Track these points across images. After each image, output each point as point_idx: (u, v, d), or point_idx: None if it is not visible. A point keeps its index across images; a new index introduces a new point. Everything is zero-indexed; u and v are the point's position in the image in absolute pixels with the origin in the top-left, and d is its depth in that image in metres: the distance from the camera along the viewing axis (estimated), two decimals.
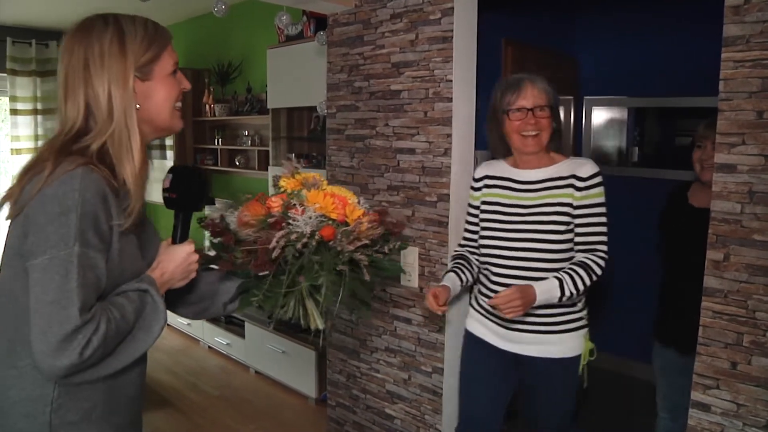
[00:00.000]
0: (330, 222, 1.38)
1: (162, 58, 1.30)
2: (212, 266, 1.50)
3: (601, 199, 2.01)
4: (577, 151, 4.41)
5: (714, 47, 1.72)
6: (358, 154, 2.87)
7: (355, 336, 2.96)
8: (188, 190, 1.43)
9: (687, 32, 3.71)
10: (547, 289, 1.91)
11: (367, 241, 1.40)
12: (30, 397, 1.22)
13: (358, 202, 1.46)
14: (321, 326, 1.44)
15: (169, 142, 5.43)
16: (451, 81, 2.44)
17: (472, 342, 2.23)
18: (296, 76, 3.99)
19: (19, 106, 5.97)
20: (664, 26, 3.86)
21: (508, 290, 1.88)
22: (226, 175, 5.45)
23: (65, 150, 1.19)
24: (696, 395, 1.81)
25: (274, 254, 1.32)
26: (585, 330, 2.09)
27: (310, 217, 1.36)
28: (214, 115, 5.16)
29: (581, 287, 1.94)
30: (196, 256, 1.39)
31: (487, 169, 2.26)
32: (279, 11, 2.81)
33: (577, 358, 2.06)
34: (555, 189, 2.02)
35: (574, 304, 2.06)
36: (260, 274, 1.36)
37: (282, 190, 1.47)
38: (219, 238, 1.45)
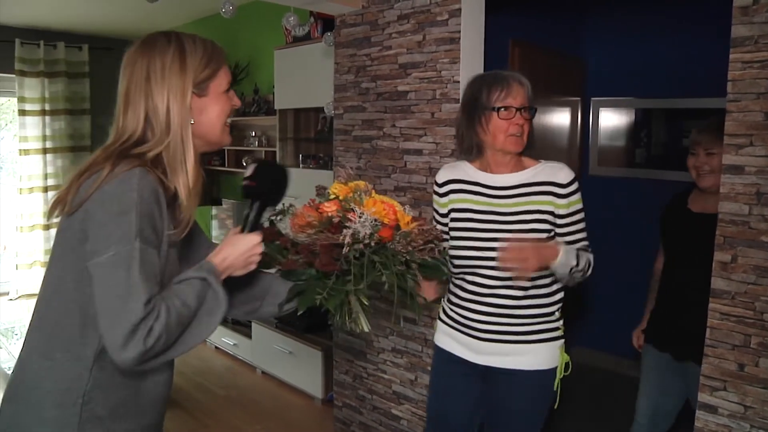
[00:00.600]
0: (385, 225, 1.49)
1: (218, 76, 1.37)
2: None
3: (581, 204, 1.95)
4: (584, 154, 4.41)
5: (722, 48, 1.72)
6: (365, 155, 2.88)
7: (362, 337, 2.96)
8: (269, 182, 1.48)
9: (695, 33, 3.70)
10: (568, 250, 1.81)
11: (419, 244, 1.50)
12: (63, 389, 1.27)
13: (404, 210, 1.56)
14: (367, 329, 1.54)
15: None
16: (459, 82, 2.45)
17: (441, 357, 2.10)
18: (303, 77, 4.00)
19: (27, 107, 6.00)
20: (671, 27, 3.85)
21: (518, 244, 1.74)
22: (233, 176, 5.47)
23: (123, 155, 1.25)
24: (703, 397, 1.81)
25: (344, 251, 1.42)
26: (561, 341, 1.96)
27: (367, 221, 1.46)
28: None
29: (586, 270, 1.88)
30: (260, 249, 1.41)
31: (450, 172, 2.07)
32: (286, 12, 2.82)
33: (552, 371, 1.93)
34: (533, 195, 1.91)
35: (550, 313, 1.95)
36: (328, 272, 1.45)
37: (333, 196, 1.58)
38: (274, 242, 1.52)
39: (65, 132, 6.19)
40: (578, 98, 4.32)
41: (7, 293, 6.21)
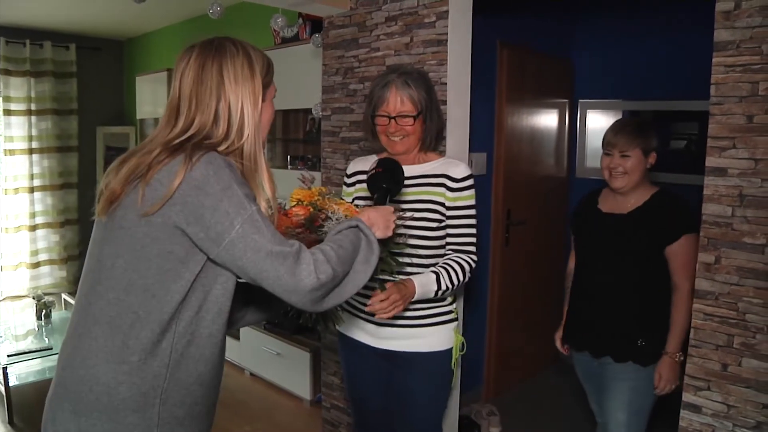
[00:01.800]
0: None
1: (272, 84, 1.45)
2: None
3: (472, 202, 2.02)
4: (572, 156, 4.43)
5: (709, 51, 1.73)
6: (352, 157, 2.88)
7: None
8: (391, 171, 1.74)
9: (682, 35, 3.73)
10: (425, 283, 1.91)
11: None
12: (140, 392, 1.27)
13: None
14: (341, 323, 1.92)
15: None
16: (446, 84, 2.46)
17: (346, 343, 2.20)
18: (292, 79, 3.99)
19: (13, 106, 5.92)
20: (659, 29, 3.88)
21: (385, 292, 1.84)
22: None
23: (195, 146, 1.27)
24: (687, 396, 1.83)
25: None
26: (455, 323, 2.10)
27: (341, 218, 1.67)
28: None
29: (456, 283, 1.95)
30: (395, 216, 1.60)
31: (359, 164, 2.20)
32: (274, 13, 2.81)
33: (448, 352, 2.06)
34: (427, 186, 2.01)
35: (443, 299, 2.05)
36: None
37: (295, 202, 1.76)
38: None
39: (52, 132, 6.12)
40: (566, 100, 4.34)
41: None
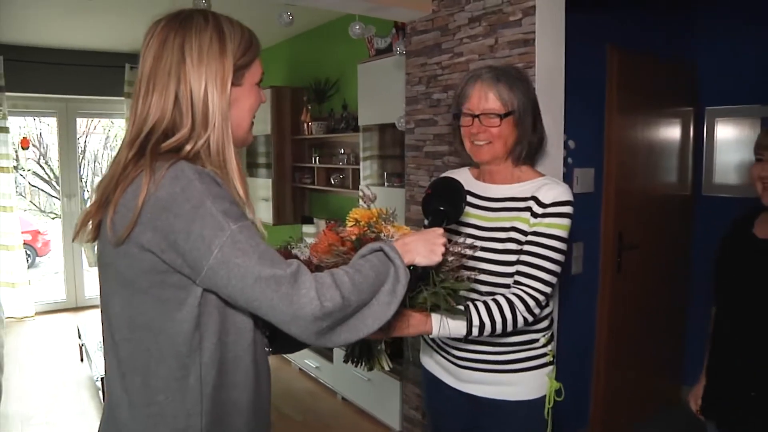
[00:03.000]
0: None
1: (254, 65, 1.23)
2: None
3: (559, 232, 1.63)
4: (698, 171, 3.92)
5: None
6: (437, 173, 2.64)
7: None
8: (447, 192, 1.50)
9: None
10: (445, 326, 1.55)
11: (454, 266, 1.47)
12: (178, 429, 1.14)
13: None
14: (387, 368, 1.63)
15: (267, 160, 5.47)
16: (534, 89, 2.16)
17: (427, 377, 1.93)
18: (385, 92, 3.83)
19: None
20: None
21: None
22: (322, 194, 5.40)
23: (154, 151, 1.09)
24: None
25: None
26: (550, 368, 1.77)
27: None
28: (312, 134, 5.12)
29: (499, 321, 1.57)
30: (443, 240, 1.35)
31: None
32: (351, 22, 2.66)
33: (541, 400, 1.75)
34: (513, 211, 1.68)
35: (535, 340, 1.74)
36: None
37: (353, 223, 1.54)
38: None
39: None
40: (690, 108, 3.85)
41: None
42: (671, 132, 3.77)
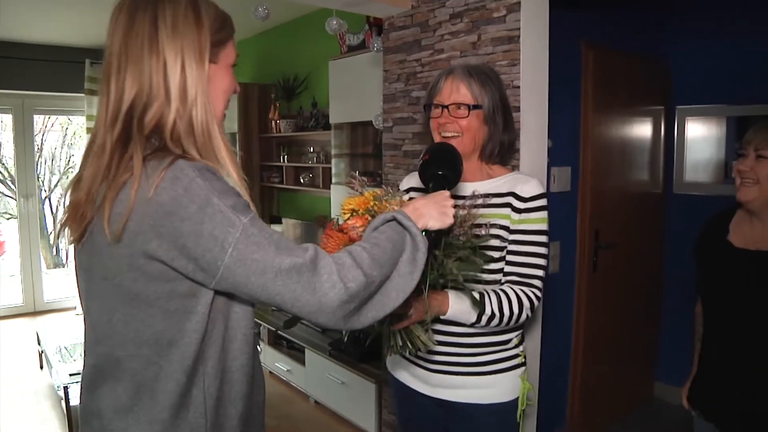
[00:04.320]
0: None
1: (229, 45, 1.15)
2: None
3: (543, 227, 1.65)
4: (669, 169, 3.95)
5: None
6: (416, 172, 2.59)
7: None
8: (445, 156, 1.46)
9: None
10: (463, 299, 1.55)
11: (469, 226, 1.46)
12: None
13: None
14: (433, 345, 1.53)
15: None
16: (519, 87, 2.13)
17: (398, 387, 1.88)
18: (358, 89, 3.76)
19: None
20: None
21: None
22: (291, 193, 5.30)
23: (141, 132, 1.02)
24: None
25: None
26: (521, 369, 1.74)
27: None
28: (280, 132, 5.02)
29: (507, 314, 1.57)
30: (452, 201, 1.31)
31: (412, 179, 1.89)
32: (329, 17, 2.58)
33: (513, 402, 1.72)
34: (492, 207, 1.65)
35: (507, 341, 1.70)
36: None
37: (348, 214, 1.46)
38: None
39: None
40: (662, 107, 3.87)
41: (74, 308, 6.27)
42: (644, 130, 3.78)
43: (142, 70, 1.03)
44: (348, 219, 1.45)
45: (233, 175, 1.08)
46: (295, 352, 4.41)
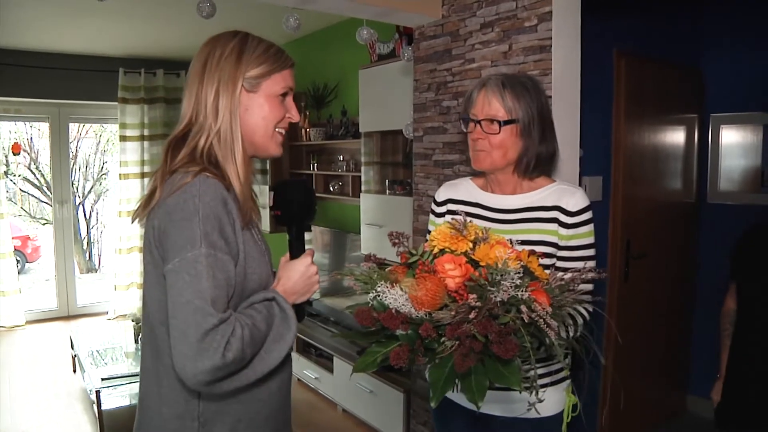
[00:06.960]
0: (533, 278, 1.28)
1: (272, 77, 1.31)
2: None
3: (591, 240, 1.63)
4: (702, 178, 3.88)
5: None
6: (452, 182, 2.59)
7: None
8: (292, 203, 1.44)
9: None
10: None
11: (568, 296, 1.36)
12: (177, 414, 1.25)
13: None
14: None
15: (263, 167, 5.40)
16: (550, 97, 2.11)
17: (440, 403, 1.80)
18: (388, 98, 3.76)
19: (128, 132, 6.19)
20: None
21: None
22: (321, 201, 5.32)
23: (177, 148, 1.26)
24: None
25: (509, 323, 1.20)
26: (567, 383, 1.69)
27: (518, 275, 1.24)
28: (310, 140, 5.05)
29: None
30: (314, 268, 1.39)
31: (450, 191, 1.82)
32: (359, 26, 2.59)
33: (558, 416, 1.68)
34: (537, 222, 1.61)
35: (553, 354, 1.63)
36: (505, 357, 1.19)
37: (436, 249, 1.32)
38: (406, 331, 1.22)
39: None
40: (695, 115, 3.81)
41: (106, 312, 6.38)
42: (677, 139, 3.73)
43: (191, 98, 1.29)
44: (437, 256, 1.30)
45: (236, 187, 1.24)
46: (324, 360, 4.43)
